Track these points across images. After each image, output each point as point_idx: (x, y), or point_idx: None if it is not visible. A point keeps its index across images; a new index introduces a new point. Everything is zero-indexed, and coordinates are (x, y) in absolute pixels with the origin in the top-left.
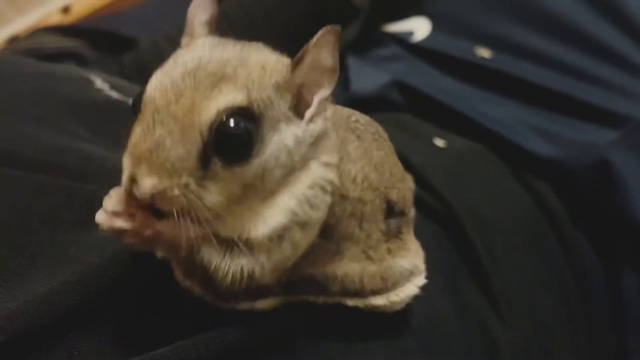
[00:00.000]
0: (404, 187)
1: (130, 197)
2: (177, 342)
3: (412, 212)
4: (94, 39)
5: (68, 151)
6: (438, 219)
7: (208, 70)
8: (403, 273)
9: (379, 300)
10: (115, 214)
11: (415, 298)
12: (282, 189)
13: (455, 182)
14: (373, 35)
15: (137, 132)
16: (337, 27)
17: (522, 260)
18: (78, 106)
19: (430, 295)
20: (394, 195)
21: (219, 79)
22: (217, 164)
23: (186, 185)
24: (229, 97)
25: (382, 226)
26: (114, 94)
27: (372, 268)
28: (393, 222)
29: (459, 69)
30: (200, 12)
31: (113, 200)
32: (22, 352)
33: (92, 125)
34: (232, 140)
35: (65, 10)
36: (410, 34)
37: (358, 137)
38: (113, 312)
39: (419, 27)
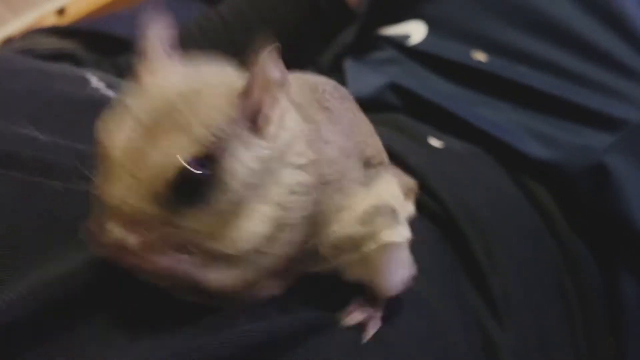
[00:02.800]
0: (377, 140)
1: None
2: (175, 341)
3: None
4: (89, 41)
5: (64, 150)
6: (436, 221)
7: (159, 120)
8: (391, 213)
9: (389, 237)
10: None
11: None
12: (256, 200)
13: (453, 184)
14: (369, 38)
15: (100, 184)
16: (274, 44)
17: (520, 263)
18: (74, 104)
19: (430, 299)
20: (368, 152)
21: (169, 127)
22: (181, 209)
23: (154, 229)
24: (180, 146)
25: (363, 179)
26: (111, 93)
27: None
28: (373, 172)
29: (455, 73)
30: (153, 35)
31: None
32: (12, 349)
33: (89, 124)
34: (190, 187)
35: (61, 12)
36: (407, 37)
37: (327, 108)
38: (111, 312)
39: (415, 31)
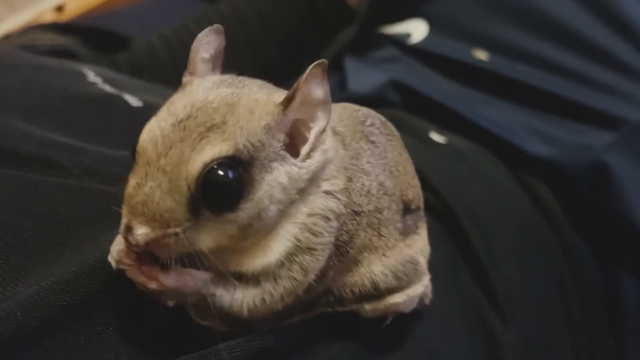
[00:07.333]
0: (418, 184)
1: (128, 244)
2: (176, 345)
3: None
4: (88, 37)
5: (61, 146)
6: (437, 217)
7: (197, 120)
8: (418, 268)
9: (397, 298)
10: (120, 262)
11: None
12: (283, 219)
13: (454, 180)
14: (370, 37)
15: (132, 183)
16: (324, 61)
17: (521, 260)
18: (71, 99)
19: (433, 297)
20: (409, 195)
21: (207, 128)
22: (207, 213)
23: (176, 234)
24: (216, 148)
25: (400, 226)
26: (107, 88)
27: (389, 261)
28: (410, 219)
29: (456, 71)
30: (202, 48)
31: (118, 246)
32: (13, 355)
33: (86, 119)
34: (219, 191)
35: (59, 9)
36: (408, 35)
37: (372, 142)
38: (114, 314)
39: (416, 29)
